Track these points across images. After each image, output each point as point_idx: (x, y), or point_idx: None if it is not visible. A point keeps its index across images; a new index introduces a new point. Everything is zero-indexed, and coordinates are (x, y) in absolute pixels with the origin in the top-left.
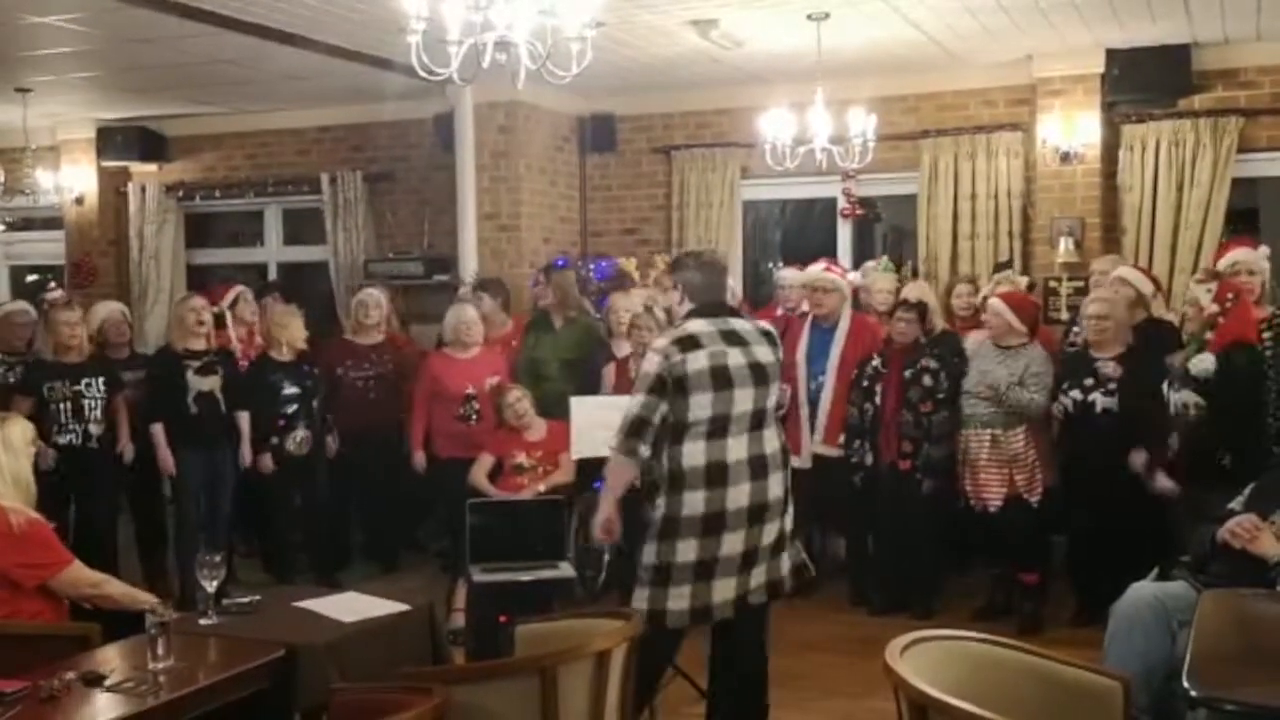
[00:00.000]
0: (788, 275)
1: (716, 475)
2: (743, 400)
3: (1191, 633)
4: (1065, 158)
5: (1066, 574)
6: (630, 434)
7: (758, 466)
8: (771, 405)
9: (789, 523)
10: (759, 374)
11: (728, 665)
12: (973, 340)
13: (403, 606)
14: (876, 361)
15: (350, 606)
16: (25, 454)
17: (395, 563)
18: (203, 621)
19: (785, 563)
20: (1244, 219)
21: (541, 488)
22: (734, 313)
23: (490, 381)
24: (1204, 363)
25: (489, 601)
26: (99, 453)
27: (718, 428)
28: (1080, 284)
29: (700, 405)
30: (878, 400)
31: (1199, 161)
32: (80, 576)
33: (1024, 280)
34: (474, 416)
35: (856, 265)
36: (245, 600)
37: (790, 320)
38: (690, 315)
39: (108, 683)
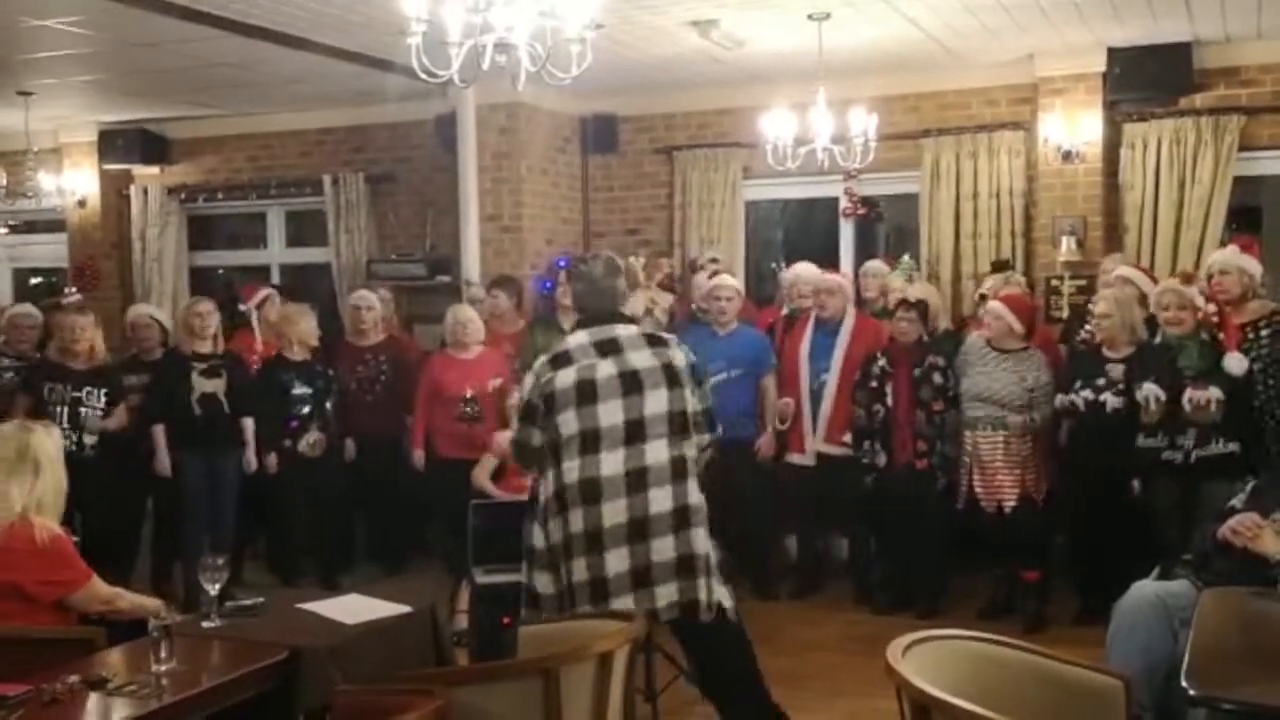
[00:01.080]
0: (798, 271)
1: (590, 492)
2: (610, 413)
3: (1192, 631)
4: (1067, 156)
5: (1068, 573)
6: (514, 456)
7: (635, 480)
8: (658, 412)
9: (699, 544)
10: (630, 383)
11: (713, 687)
12: (970, 343)
13: (405, 608)
14: (883, 361)
15: (353, 608)
16: (61, 460)
17: (400, 564)
18: (206, 624)
19: (702, 587)
20: (1247, 217)
21: None
22: (622, 319)
23: (493, 382)
24: (1239, 362)
25: (492, 603)
26: (93, 461)
27: (588, 443)
28: (1083, 282)
29: (567, 422)
30: (888, 400)
31: (1200, 160)
32: (95, 594)
33: (1021, 279)
34: (473, 417)
35: (859, 264)
36: (249, 603)
37: (791, 319)
38: (575, 326)
39: (110, 686)
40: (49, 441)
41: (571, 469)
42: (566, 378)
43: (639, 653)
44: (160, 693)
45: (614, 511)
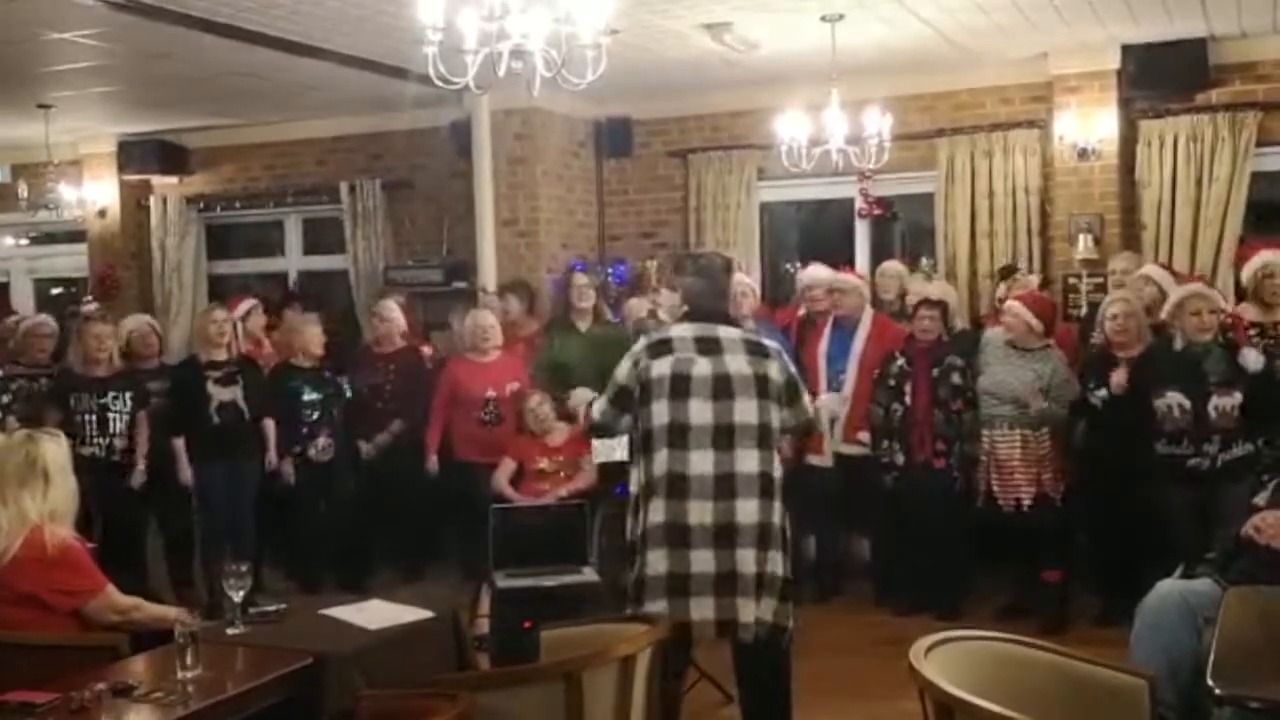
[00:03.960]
0: (810, 275)
1: (678, 487)
2: (700, 412)
3: (1216, 630)
4: (1083, 154)
5: (1090, 573)
6: (591, 430)
7: (724, 485)
8: (748, 422)
9: (779, 566)
10: (722, 386)
11: (748, 700)
12: (988, 337)
13: (427, 613)
14: (901, 361)
15: (376, 614)
16: (70, 468)
17: (419, 570)
18: (230, 631)
19: (782, 612)
20: (1265, 213)
21: (564, 492)
22: (729, 321)
23: (511, 386)
24: (1256, 359)
25: (513, 607)
26: (122, 465)
27: (678, 439)
28: (1100, 280)
29: (659, 413)
30: (907, 400)
31: (1217, 156)
32: (111, 603)
33: (1034, 280)
34: (494, 420)
35: (875, 265)
36: (271, 609)
37: (809, 320)
38: (682, 319)
39: (137, 693)
40: (57, 450)
41: (662, 460)
42: (663, 367)
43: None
44: (186, 699)
45: (701, 511)
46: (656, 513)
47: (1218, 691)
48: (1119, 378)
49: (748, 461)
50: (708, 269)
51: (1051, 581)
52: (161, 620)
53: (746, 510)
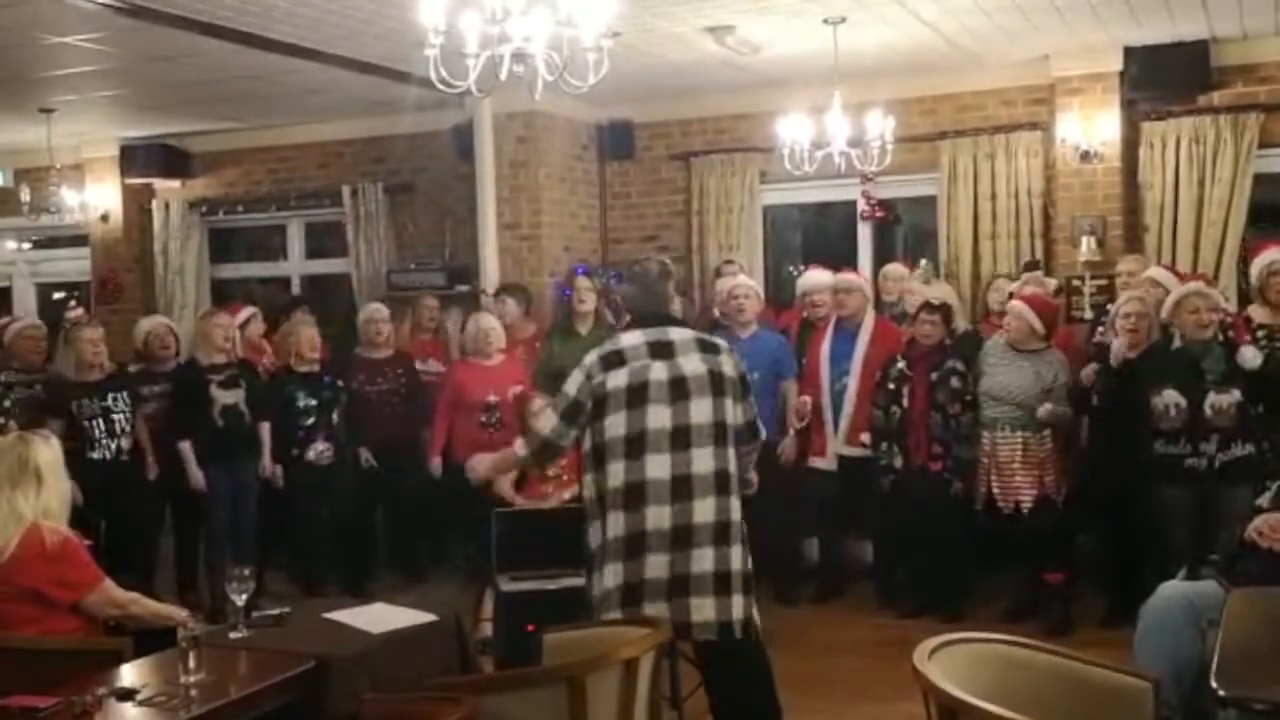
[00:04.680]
0: (810, 280)
1: (634, 496)
2: (657, 417)
3: (1220, 632)
4: (1085, 156)
5: (1094, 575)
6: (535, 452)
7: (681, 487)
8: (703, 421)
9: (736, 561)
10: (679, 389)
11: (725, 702)
12: (989, 347)
13: (431, 617)
14: (901, 364)
15: (379, 618)
16: (62, 467)
17: (422, 573)
18: (233, 634)
19: (738, 606)
20: (1268, 214)
21: (566, 495)
22: (675, 322)
23: (513, 390)
24: (1254, 357)
25: (516, 610)
26: (130, 466)
27: (634, 447)
28: (1103, 282)
29: (615, 424)
30: (904, 403)
31: (1220, 158)
32: (109, 597)
33: (1052, 283)
34: (496, 424)
35: (878, 267)
36: (275, 613)
37: (811, 323)
38: (628, 327)
39: (139, 697)
40: (48, 450)
41: (617, 471)
42: (619, 379)
43: (664, 659)
44: (189, 704)
45: (658, 517)
46: (615, 526)
47: (1222, 693)
48: (1119, 347)
49: (703, 461)
50: (642, 275)
51: (1054, 583)
52: (160, 615)
53: (703, 510)
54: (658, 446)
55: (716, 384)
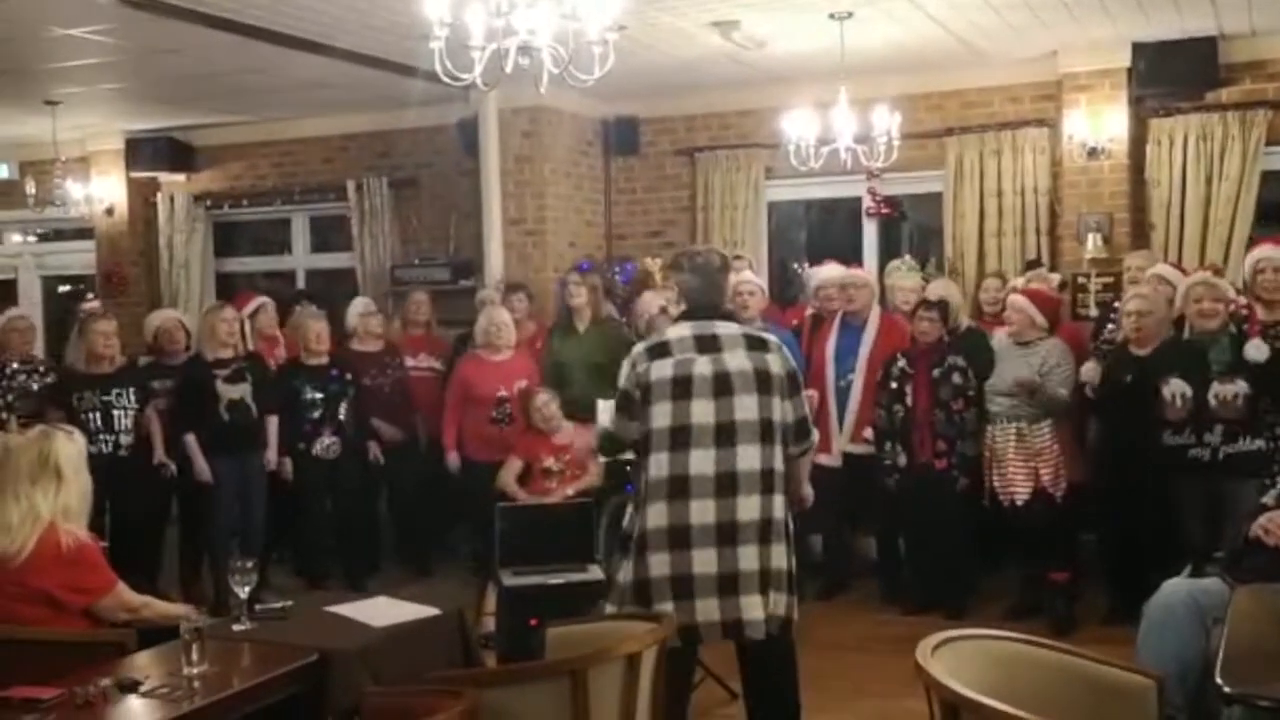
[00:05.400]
0: (824, 274)
1: (678, 489)
2: (702, 412)
3: (1225, 629)
4: (1092, 153)
5: (1098, 572)
6: (600, 447)
7: (725, 483)
8: (749, 418)
9: (781, 559)
10: (723, 384)
11: (756, 697)
12: (995, 339)
13: (433, 611)
14: (903, 362)
15: (382, 611)
16: (84, 465)
17: (426, 567)
18: (236, 627)
19: (784, 605)
20: (1275, 212)
21: (570, 490)
22: (727, 316)
23: (520, 384)
24: (1259, 350)
25: (519, 605)
26: (129, 461)
27: (679, 440)
28: (1109, 279)
29: (660, 415)
30: (908, 401)
31: (1227, 155)
32: (122, 601)
33: (1055, 278)
34: (506, 419)
35: (883, 264)
36: (278, 606)
37: (817, 319)
38: (680, 318)
39: (142, 689)
40: (70, 447)
41: (660, 463)
42: (663, 370)
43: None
44: (192, 695)
45: (702, 511)
46: (658, 516)
47: (1227, 690)
48: (1089, 373)
49: (749, 458)
50: (704, 266)
51: (1058, 582)
52: (170, 618)
53: (748, 507)
54: (701, 441)
55: (763, 381)
